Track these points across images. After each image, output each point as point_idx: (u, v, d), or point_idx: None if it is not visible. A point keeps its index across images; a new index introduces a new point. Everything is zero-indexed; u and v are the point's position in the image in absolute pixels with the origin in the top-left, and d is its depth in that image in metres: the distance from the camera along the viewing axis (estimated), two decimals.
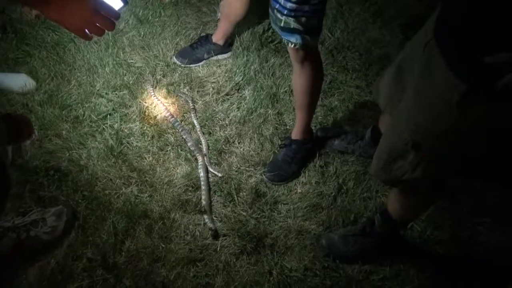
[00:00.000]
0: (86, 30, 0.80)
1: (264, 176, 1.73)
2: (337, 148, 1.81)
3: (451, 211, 1.67)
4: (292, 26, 1.33)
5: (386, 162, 1.17)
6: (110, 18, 0.80)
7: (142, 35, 2.18)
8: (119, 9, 0.82)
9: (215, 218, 1.63)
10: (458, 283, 1.52)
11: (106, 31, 0.81)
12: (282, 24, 1.34)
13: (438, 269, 1.55)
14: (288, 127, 1.89)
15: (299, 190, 1.73)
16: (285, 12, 1.31)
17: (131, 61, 2.07)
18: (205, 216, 1.61)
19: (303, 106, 1.65)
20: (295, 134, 1.75)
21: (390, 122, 1.25)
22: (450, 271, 1.54)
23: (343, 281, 1.51)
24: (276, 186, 1.73)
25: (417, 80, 1.04)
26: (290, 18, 1.31)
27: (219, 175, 1.71)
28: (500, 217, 1.66)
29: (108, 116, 1.86)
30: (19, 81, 1.89)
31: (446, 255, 1.59)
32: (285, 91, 2.02)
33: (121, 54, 2.08)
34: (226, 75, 2.06)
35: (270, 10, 1.39)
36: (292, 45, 1.39)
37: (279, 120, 1.92)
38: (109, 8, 0.79)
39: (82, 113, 1.85)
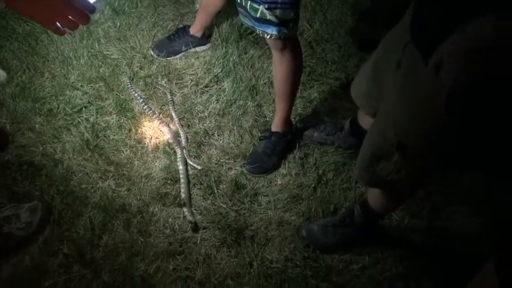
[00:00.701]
0: (58, 24, 0.75)
1: (244, 169, 1.73)
2: (317, 140, 1.81)
3: (427, 201, 1.70)
4: (267, 17, 1.32)
5: (370, 163, 1.17)
6: (84, 11, 0.75)
7: (118, 26, 2.13)
8: (94, 2, 0.78)
9: (194, 211, 1.61)
10: (435, 270, 1.56)
11: (80, 25, 0.76)
12: (258, 15, 1.32)
13: (415, 257, 1.58)
14: (267, 119, 1.89)
15: (279, 182, 1.73)
16: (262, 2, 1.29)
17: (107, 52, 2.02)
18: (185, 209, 1.59)
19: (283, 96, 1.64)
20: (275, 126, 1.74)
21: (372, 122, 1.24)
22: (427, 258, 1.57)
23: (323, 271, 1.52)
24: (256, 178, 1.72)
25: (399, 80, 1.03)
26: (266, 9, 1.30)
27: (199, 167, 1.70)
28: (474, 206, 1.70)
29: (84, 109, 1.81)
30: None
31: (423, 243, 1.62)
32: (265, 83, 2.01)
33: (96, 46, 2.03)
34: (205, 67, 2.04)
35: (238, 5, 1.36)
36: (268, 36, 1.38)
37: (259, 112, 1.91)
38: (83, 0, 0.75)
39: (56, 106, 1.80)
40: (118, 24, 2.14)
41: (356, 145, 1.68)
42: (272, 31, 1.35)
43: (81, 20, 0.76)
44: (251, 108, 1.92)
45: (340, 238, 1.55)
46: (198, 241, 1.54)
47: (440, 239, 1.63)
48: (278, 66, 1.54)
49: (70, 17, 0.74)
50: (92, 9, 0.76)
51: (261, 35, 1.40)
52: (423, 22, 0.92)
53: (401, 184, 1.18)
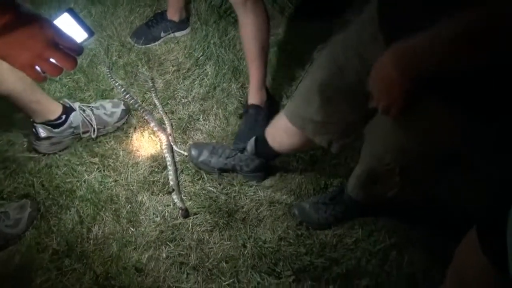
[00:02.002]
0: (38, 68, 0.63)
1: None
2: (216, 167, 1.60)
3: None
4: None
5: (366, 184, 1.15)
6: (70, 53, 0.63)
7: (93, 15, 2.07)
8: (82, 42, 0.67)
9: (184, 197, 1.59)
10: (428, 239, 1.56)
11: (63, 69, 0.64)
12: None
13: (408, 227, 1.58)
14: None
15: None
16: None
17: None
18: (174, 196, 1.57)
19: (253, 58, 1.63)
20: (251, 98, 1.72)
21: (365, 144, 1.19)
22: (420, 228, 1.57)
23: (317, 247, 1.52)
24: None
25: None
26: None
27: (185, 153, 1.67)
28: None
29: None
30: None
31: (415, 212, 1.61)
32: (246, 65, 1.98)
33: None
34: (186, 51, 1.99)
35: None
36: None
37: (243, 93, 1.88)
38: (69, 41, 0.63)
39: None
40: (93, 12, 2.08)
41: (261, 168, 1.58)
42: None
43: (66, 64, 0.63)
44: (235, 90, 1.89)
45: (332, 214, 1.54)
46: (190, 227, 1.53)
47: (432, 208, 1.63)
48: (244, 27, 1.57)
49: (53, 60, 0.63)
50: (80, 50, 0.65)
51: None
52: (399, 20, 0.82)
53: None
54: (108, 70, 1.88)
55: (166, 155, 1.66)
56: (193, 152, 1.62)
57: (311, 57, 2.03)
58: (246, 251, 1.49)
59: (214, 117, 1.81)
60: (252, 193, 1.62)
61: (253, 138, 1.53)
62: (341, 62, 1.03)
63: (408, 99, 0.77)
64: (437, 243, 1.55)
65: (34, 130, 1.56)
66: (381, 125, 1.03)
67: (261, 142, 1.47)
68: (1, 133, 1.67)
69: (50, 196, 1.52)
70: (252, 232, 1.53)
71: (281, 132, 1.36)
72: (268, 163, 1.59)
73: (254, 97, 1.72)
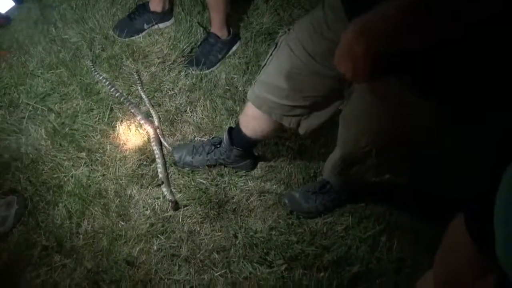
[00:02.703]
0: None
1: (185, 69, 1.87)
2: (200, 165, 1.60)
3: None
4: None
5: (342, 168, 1.16)
6: None
7: (74, 8, 2.03)
8: (8, 11, 0.60)
9: (174, 190, 1.58)
10: (417, 223, 1.59)
11: None
12: None
13: (397, 211, 1.60)
14: (240, 88, 1.85)
15: (256, 154, 1.71)
16: None
17: (65, 36, 1.93)
18: (164, 189, 1.56)
19: (212, 5, 1.82)
20: (213, 28, 1.90)
21: (340, 129, 1.19)
22: (409, 212, 1.60)
23: (308, 236, 1.53)
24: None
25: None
26: None
27: (171, 148, 1.65)
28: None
29: (47, 97, 1.73)
30: None
31: (403, 197, 1.64)
32: (234, 54, 1.97)
33: (53, 30, 1.93)
34: (170, 43, 1.97)
35: None
36: None
37: (230, 82, 1.87)
38: None
39: (17, 96, 1.72)
40: (74, 5, 2.04)
41: (242, 157, 1.57)
42: None
43: None
44: (222, 80, 1.88)
45: (322, 203, 1.56)
46: (181, 219, 1.52)
47: (419, 192, 1.65)
48: None
49: None
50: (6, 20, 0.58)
51: None
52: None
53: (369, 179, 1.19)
54: (91, 64, 1.85)
55: (154, 148, 1.64)
56: (176, 156, 1.62)
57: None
58: (238, 242, 1.49)
59: (201, 108, 1.80)
60: (242, 184, 1.62)
61: (226, 131, 1.52)
62: (310, 48, 1.04)
63: (372, 73, 0.75)
64: (426, 228, 1.58)
65: None
66: (356, 109, 1.05)
67: (236, 132, 1.48)
68: None
69: (38, 192, 1.50)
70: (243, 223, 1.54)
71: (251, 119, 1.36)
72: (249, 152, 1.58)
73: (215, 29, 1.89)
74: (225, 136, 1.52)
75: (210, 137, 1.70)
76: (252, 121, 1.36)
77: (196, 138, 1.70)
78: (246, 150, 1.54)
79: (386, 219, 1.59)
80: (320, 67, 1.04)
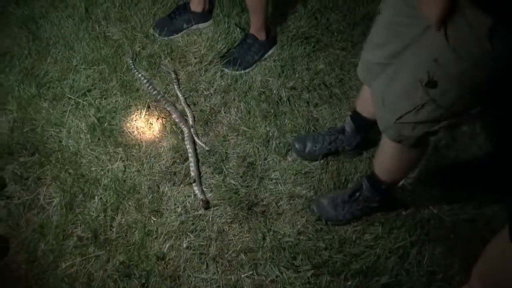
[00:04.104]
0: None
1: (222, 67, 1.91)
2: (321, 153, 1.68)
3: (440, 170, 1.67)
4: None
5: (390, 99, 1.14)
6: None
7: (117, 6, 2.09)
8: None
9: (205, 189, 1.61)
10: (449, 237, 1.55)
11: None
12: None
13: (429, 224, 1.56)
14: (274, 91, 1.86)
15: (289, 158, 1.71)
16: None
17: (108, 34, 1.99)
18: (195, 187, 1.59)
19: (252, 8, 1.85)
20: (252, 29, 1.93)
21: (396, 66, 1.18)
22: (441, 225, 1.56)
23: (336, 243, 1.52)
24: (266, 154, 1.70)
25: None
26: None
27: (206, 148, 1.68)
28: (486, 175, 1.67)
29: (88, 92, 1.80)
30: None
31: (437, 210, 1.60)
32: (270, 57, 1.98)
33: (97, 28, 2.00)
34: (208, 43, 2.00)
35: None
36: None
37: (265, 85, 1.88)
38: None
39: (61, 90, 1.79)
40: (117, 4, 2.10)
41: (362, 143, 1.66)
42: None
43: None
44: (257, 82, 1.89)
45: (350, 211, 1.54)
46: (210, 218, 1.54)
47: (452, 205, 1.61)
48: None
49: None
50: None
51: None
52: None
53: (410, 131, 1.15)
54: (131, 61, 1.90)
55: (188, 146, 1.68)
56: (298, 146, 1.69)
57: (333, 50, 2.02)
58: (265, 244, 1.50)
59: (235, 109, 1.81)
60: (272, 187, 1.63)
61: (348, 117, 1.62)
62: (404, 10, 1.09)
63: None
64: (458, 243, 1.54)
65: None
66: (414, 43, 1.07)
67: (356, 116, 1.57)
68: (24, 123, 1.71)
69: (76, 184, 1.56)
70: (271, 226, 1.54)
71: (367, 100, 1.42)
72: (367, 137, 1.62)
73: (254, 30, 1.92)
74: (348, 125, 1.62)
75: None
76: (369, 102, 1.38)
77: (311, 131, 1.77)
78: (366, 135, 1.58)
79: (418, 231, 1.55)
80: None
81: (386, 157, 1.36)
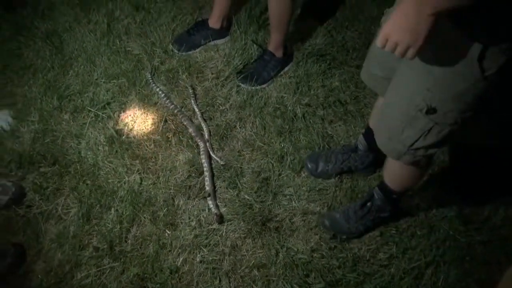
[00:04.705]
0: None
1: (238, 82, 1.94)
2: (334, 172, 1.69)
3: (455, 189, 1.66)
4: None
5: (394, 132, 1.16)
6: None
7: (138, 22, 2.15)
8: None
9: (219, 203, 1.62)
10: (464, 259, 1.53)
11: None
12: None
13: (445, 245, 1.55)
14: (289, 107, 1.88)
15: (303, 174, 1.72)
16: None
17: (128, 49, 2.04)
18: (210, 202, 1.60)
19: (275, 25, 1.86)
20: (270, 46, 1.95)
21: (389, 95, 1.22)
22: (457, 246, 1.54)
23: (350, 261, 1.51)
24: (280, 170, 1.71)
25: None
26: None
27: (221, 162, 1.70)
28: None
29: (107, 105, 1.84)
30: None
31: (452, 230, 1.59)
32: (285, 73, 2.00)
33: (118, 42, 2.06)
34: (225, 59, 2.03)
35: None
36: None
37: (280, 101, 1.90)
38: None
39: (81, 103, 1.83)
40: (138, 20, 2.16)
41: (375, 161, 1.65)
42: None
43: None
44: (272, 98, 1.91)
45: (362, 222, 1.54)
46: (224, 233, 1.55)
47: (468, 226, 1.59)
48: (271, 3, 1.78)
49: None
50: None
51: None
52: None
53: (425, 153, 1.17)
54: (150, 76, 1.94)
55: (203, 160, 1.70)
56: (310, 166, 1.70)
57: (349, 67, 2.04)
58: (278, 261, 1.50)
59: (251, 125, 1.83)
60: (286, 203, 1.64)
61: (361, 135, 1.62)
62: None
63: (428, 36, 0.86)
64: (474, 265, 1.52)
65: None
66: (409, 70, 1.08)
67: (369, 133, 1.55)
68: (45, 134, 1.75)
69: (93, 195, 1.59)
70: (284, 242, 1.54)
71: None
72: (380, 155, 1.58)
73: (273, 47, 1.95)
74: (361, 143, 1.63)
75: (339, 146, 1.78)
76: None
77: (325, 148, 1.78)
78: (379, 152, 1.58)
79: (433, 252, 1.54)
80: None
81: (395, 167, 1.36)
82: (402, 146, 1.17)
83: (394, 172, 1.40)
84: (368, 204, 1.52)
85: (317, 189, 1.67)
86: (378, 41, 0.92)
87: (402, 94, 1.12)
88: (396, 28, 0.87)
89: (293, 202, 1.64)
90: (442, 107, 1.04)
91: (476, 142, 1.71)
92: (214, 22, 2.06)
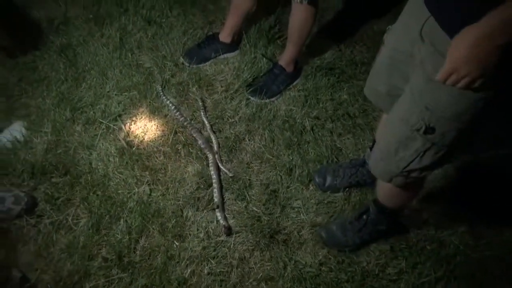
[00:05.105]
0: None
1: (247, 95, 1.96)
2: (342, 186, 1.69)
3: (466, 205, 1.65)
4: None
5: (387, 153, 1.15)
6: None
7: (149, 36, 2.19)
8: None
9: (227, 215, 1.63)
10: (475, 274, 1.51)
11: None
12: None
13: (455, 260, 1.53)
14: (298, 120, 1.89)
15: (311, 187, 1.72)
16: None
17: (140, 62, 2.08)
18: (218, 213, 1.61)
19: (295, 39, 1.90)
20: (281, 60, 1.98)
21: (389, 115, 1.22)
22: (467, 261, 1.52)
23: (358, 276, 1.50)
24: (288, 183, 1.72)
25: (426, 65, 1.01)
26: None
27: (230, 174, 1.71)
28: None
29: (119, 117, 1.87)
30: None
31: (463, 246, 1.57)
32: (294, 86, 2.02)
33: (130, 56, 2.10)
34: (234, 72, 2.06)
35: None
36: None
37: (289, 114, 1.92)
38: None
39: (93, 115, 1.86)
40: (150, 34, 2.20)
41: None
42: None
43: None
44: (281, 111, 1.93)
45: (359, 235, 1.53)
46: (232, 245, 1.55)
47: (479, 241, 1.58)
48: (294, 15, 1.82)
49: None
50: None
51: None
52: None
53: (418, 174, 1.15)
54: (161, 88, 1.97)
55: (212, 172, 1.71)
56: (318, 180, 1.70)
57: (357, 81, 2.05)
58: (286, 274, 1.49)
59: (259, 137, 1.85)
60: (294, 215, 1.64)
61: (368, 149, 1.61)
62: (403, 47, 1.11)
63: (497, 65, 0.84)
64: (484, 280, 1.50)
65: None
66: (411, 89, 1.06)
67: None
68: (58, 145, 1.78)
69: (103, 206, 1.60)
70: (293, 255, 1.54)
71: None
72: None
73: (284, 61, 1.97)
74: (368, 156, 1.59)
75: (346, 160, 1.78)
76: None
77: (333, 161, 1.79)
78: None
79: (443, 267, 1.52)
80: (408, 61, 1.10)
81: (385, 186, 1.34)
82: (395, 167, 1.15)
83: (384, 191, 1.40)
84: (364, 216, 1.52)
85: (325, 202, 1.67)
86: (441, 76, 0.89)
87: (400, 114, 1.11)
88: (465, 62, 0.85)
89: (302, 214, 1.64)
90: (441, 127, 1.02)
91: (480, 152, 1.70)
92: (225, 36, 2.09)
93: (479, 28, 0.81)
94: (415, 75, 1.05)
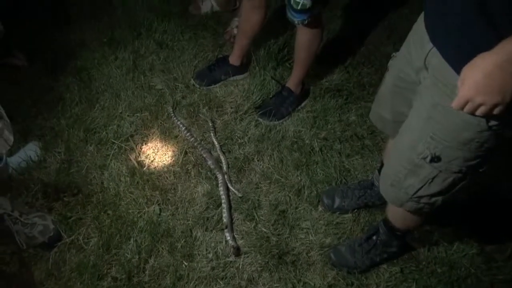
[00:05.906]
0: None
1: (257, 117, 1.99)
2: (350, 208, 1.69)
3: (476, 226, 1.63)
4: (307, 7, 1.61)
5: (397, 179, 1.16)
6: None
7: (161, 59, 2.25)
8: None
9: (236, 236, 1.63)
10: None
11: None
12: (299, 7, 1.62)
13: (467, 282, 1.51)
14: (306, 141, 1.91)
15: (320, 208, 1.72)
16: None
17: (152, 84, 2.14)
18: (227, 234, 1.62)
19: (301, 60, 1.91)
20: (289, 83, 2.01)
21: (395, 140, 1.23)
22: (478, 283, 1.50)
23: None
24: (297, 203, 1.72)
25: (430, 93, 1.02)
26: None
27: (239, 195, 1.73)
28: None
29: (130, 137, 1.91)
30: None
31: (474, 268, 1.55)
32: (302, 107, 2.05)
33: (142, 78, 2.15)
34: (244, 94, 2.10)
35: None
36: (301, 23, 1.69)
37: (298, 135, 1.94)
38: None
39: (106, 135, 1.91)
40: (162, 57, 2.26)
41: None
42: (307, 17, 1.67)
43: None
44: (290, 132, 1.95)
45: (369, 257, 1.52)
46: (240, 266, 1.55)
47: (490, 264, 1.55)
48: (300, 36, 1.83)
49: None
50: None
51: (297, 24, 1.71)
52: (450, 26, 0.90)
53: (428, 200, 1.15)
54: (172, 110, 2.01)
55: (221, 192, 1.72)
56: (326, 201, 1.70)
57: (365, 103, 2.07)
58: None
59: (268, 158, 1.87)
60: (303, 236, 1.63)
61: (376, 171, 1.61)
62: (408, 75, 1.14)
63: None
64: None
65: None
66: (416, 117, 1.08)
67: None
68: (71, 165, 1.82)
69: (114, 225, 1.62)
70: (301, 276, 1.53)
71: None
72: None
73: (292, 84, 2.00)
74: (377, 179, 1.58)
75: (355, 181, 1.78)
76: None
77: (342, 181, 1.79)
78: None
79: None
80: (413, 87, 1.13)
81: (396, 209, 1.33)
82: (405, 194, 1.16)
83: (395, 214, 1.40)
84: (374, 237, 1.51)
85: (334, 223, 1.67)
86: (456, 105, 0.87)
87: (406, 141, 1.12)
88: (480, 90, 0.83)
89: (310, 235, 1.63)
90: (447, 155, 1.02)
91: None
92: (235, 59, 2.14)
93: (496, 55, 0.80)
94: (420, 103, 1.06)
